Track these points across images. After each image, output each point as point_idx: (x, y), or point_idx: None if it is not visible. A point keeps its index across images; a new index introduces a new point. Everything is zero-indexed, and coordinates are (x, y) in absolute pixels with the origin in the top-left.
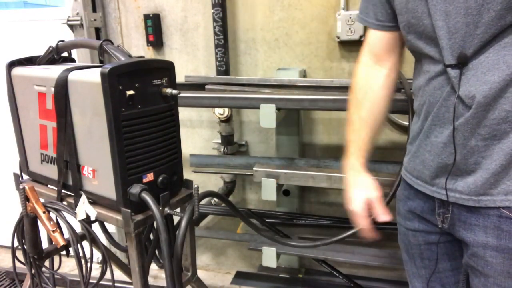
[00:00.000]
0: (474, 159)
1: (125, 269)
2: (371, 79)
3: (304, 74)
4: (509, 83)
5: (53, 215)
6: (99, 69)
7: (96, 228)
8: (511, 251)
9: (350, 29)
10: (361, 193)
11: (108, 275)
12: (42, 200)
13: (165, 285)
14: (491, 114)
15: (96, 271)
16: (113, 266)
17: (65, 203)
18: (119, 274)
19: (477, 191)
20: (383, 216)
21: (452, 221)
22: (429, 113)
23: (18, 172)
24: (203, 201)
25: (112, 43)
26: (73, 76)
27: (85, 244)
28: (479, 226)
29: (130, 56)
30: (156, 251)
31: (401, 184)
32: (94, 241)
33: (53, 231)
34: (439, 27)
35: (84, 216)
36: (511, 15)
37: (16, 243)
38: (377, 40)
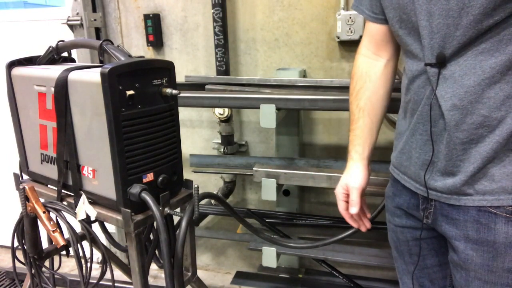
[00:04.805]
0: (452, 162)
1: (125, 269)
2: (370, 68)
3: (304, 74)
4: (485, 89)
5: (53, 215)
6: (99, 69)
7: (96, 228)
8: (490, 244)
9: (350, 29)
10: (345, 179)
11: (108, 275)
12: (42, 200)
13: (165, 285)
14: (469, 119)
15: (96, 271)
16: (113, 266)
17: (65, 203)
18: (119, 274)
19: (456, 192)
20: (351, 207)
21: (435, 216)
22: (415, 111)
23: (18, 172)
24: (203, 201)
25: (112, 43)
26: (73, 76)
27: (85, 244)
28: (460, 220)
29: (130, 56)
30: (156, 251)
31: (389, 181)
32: (94, 241)
33: (53, 231)
34: (423, 27)
35: (84, 216)
36: (487, 21)
37: (16, 243)
38: (375, 31)
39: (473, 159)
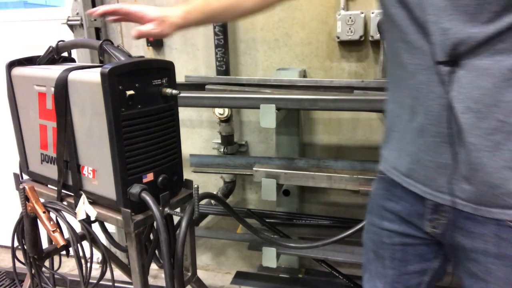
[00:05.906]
0: (467, 168)
1: (125, 269)
2: None
3: (304, 74)
4: (502, 92)
5: (53, 215)
6: (99, 69)
7: (96, 228)
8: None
9: (350, 29)
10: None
11: (108, 275)
12: (42, 200)
13: (165, 285)
14: (483, 123)
15: (96, 271)
16: (113, 266)
17: (65, 203)
18: (119, 274)
19: (475, 201)
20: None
21: (446, 227)
22: (416, 108)
23: (18, 172)
24: (203, 201)
25: (112, 43)
26: (73, 76)
27: (85, 244)
28: (477, 233)
29: (130, 56)
30: (156, 251)
31: (379, 182)
32: (94, 241)
33: (53, 231)
34: (432, 22)
35: (84, 216)
36: (509, 18)
37: (16, 243)
38: None
39: (489, 168)
